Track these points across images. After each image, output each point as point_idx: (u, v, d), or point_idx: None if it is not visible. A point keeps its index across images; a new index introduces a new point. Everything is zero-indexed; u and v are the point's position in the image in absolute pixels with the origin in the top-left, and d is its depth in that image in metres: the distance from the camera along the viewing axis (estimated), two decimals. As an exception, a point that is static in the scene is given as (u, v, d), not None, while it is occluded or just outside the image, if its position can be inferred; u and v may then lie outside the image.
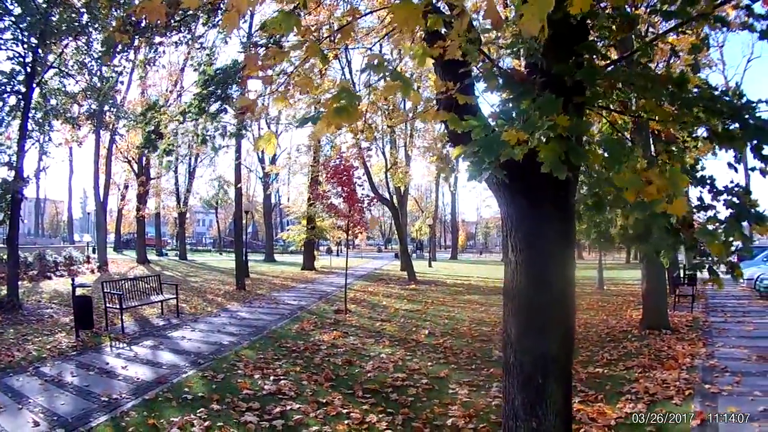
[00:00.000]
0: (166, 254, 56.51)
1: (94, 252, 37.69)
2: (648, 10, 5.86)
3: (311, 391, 9.62)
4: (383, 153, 38.33)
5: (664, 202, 3.77)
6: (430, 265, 50.07)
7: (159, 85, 45.09)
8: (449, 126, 4.66)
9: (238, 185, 30.84)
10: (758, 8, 4.67)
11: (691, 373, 10.75)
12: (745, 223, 4.36)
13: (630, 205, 3.93)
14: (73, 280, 15.44)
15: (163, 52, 13.05)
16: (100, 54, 16.97)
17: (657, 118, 4.74)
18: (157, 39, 11.01)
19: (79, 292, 14.23)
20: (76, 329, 13.86)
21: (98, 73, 20.15)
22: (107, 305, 15.44)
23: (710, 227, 4.37)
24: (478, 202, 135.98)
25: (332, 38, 5.29)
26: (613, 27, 5.12)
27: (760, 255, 27.94)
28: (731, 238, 4.24)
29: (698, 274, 16.45)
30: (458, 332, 15.97)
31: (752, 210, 4.26)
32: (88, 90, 20.22)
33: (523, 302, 5.07)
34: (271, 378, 10.29)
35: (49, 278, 26.83)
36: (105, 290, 15.71)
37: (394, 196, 39.52)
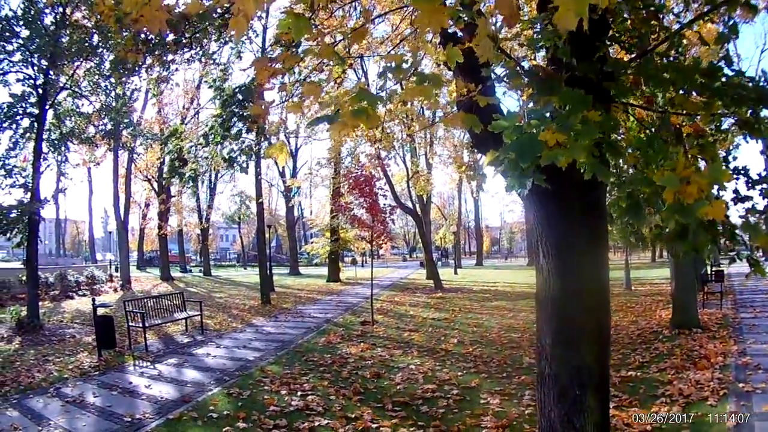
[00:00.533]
0: (190, 270, 56.61)
1: (116, 271, 37.77)
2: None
3: (339, 405, 9.43)
4: (404, 162, 38.14)
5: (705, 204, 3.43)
6: (455, 273, 49.69)
7: (176, 103, 45.21)
8: (473, 130, 4.47)
9: (260, 200, 30.83)
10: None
11: (724, 372, 10.54)
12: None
13: (668, 206, 3.59)
14: (93, 300, 15.36)
15: (176, 69, 12.89)
16: (110, 74, 16.93)
17: (685, 111, 4.53)
18: (169, 57, 10.87)
19: (100, 311, 14.17)
20: (98, 349, 13.79)
21: (112, 93, 20.13)
22: (130, 324, 15.33)
23: (751, 219, 4.15)
24: (501, 207, 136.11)
25: (346, 42, 5.13)
26: (636, 19, 4.90)
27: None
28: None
29: (725, 270, 16.17)
30: (487, 340, 15.75)
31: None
32: (102, 110, 20.19)
33: (556, 310, 4.90)
34: (299, 393, 10.12)
35: (71, 298, 26.91)
36: (127, 309, 15.60)
37: (417, 205, 39.44)
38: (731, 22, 4.47)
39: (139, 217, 54.82)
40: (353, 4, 11.84)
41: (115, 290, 31.56)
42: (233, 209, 67.30)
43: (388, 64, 3.58)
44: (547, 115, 3.74)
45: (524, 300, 25.86)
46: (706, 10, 4.64)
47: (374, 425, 8.37)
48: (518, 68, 4.45)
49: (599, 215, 4.94)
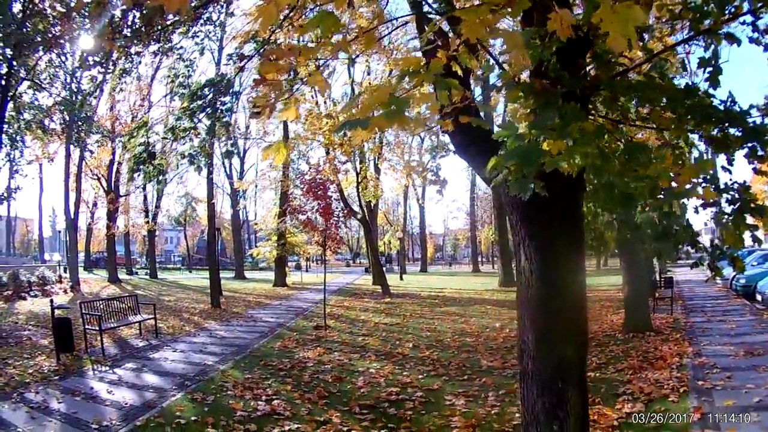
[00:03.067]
0: (137, 273, 55.73)
1: (65, 271, 37.00)
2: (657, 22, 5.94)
3: (306, 410, 9.44)
4: (355, 167, 38.15)
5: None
6: (401, 278, 49.94)
7: (128, 99, 44.40)
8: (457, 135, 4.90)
9: (212, 201, 30.60)
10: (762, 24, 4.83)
11: (682, 371, 10.98)
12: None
13: (667, 193, 4.26)
14: (51, 301, 14.89)
15: (139, 62, 12.67)
16: (76, 66, 16.67)
17: (657, 125, 4.84)
18: (134, 49, 10.74)
19: (58, 313, 13.94)
20: (57, 352, 13.46)
21: (72, 86, 19.82)
22: (86, 327, 15.03)
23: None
24: (444, 214, 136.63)
25: (350, 46, 5.21)
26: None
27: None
28: (739, 231, 4.39)
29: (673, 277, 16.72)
30: (442, 344, 15.92)
31: (753, 204, 4.37)
32: (60, 104, 19.85)
33: (539, 309, 5.09)
34: (263, 398, 10.06)
35: (24, 299, 26.31)
36: (83, 311, 15.29)
37: (365, 210, 39.48)
38: (712, 48, 4.75)
39: (87, 217, 53.87)
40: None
41: (65, 291, 30.86)
42: (179, 211, 66.73)
43: (407, 69, 3.68)
44: (548, 124, 3.97)
45: (474, 306, 26.31)
46: (687, 36, 4.93)
47: (344, 428, 8.43)
48: (514, 80, 4.60)
49: (579, 217, 5.19)
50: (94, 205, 53.43)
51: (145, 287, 39.24)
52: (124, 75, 15.34)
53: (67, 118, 20.59)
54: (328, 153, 34.00)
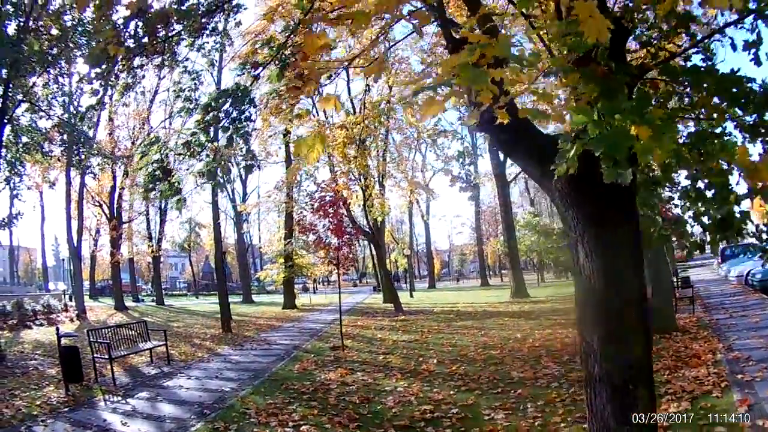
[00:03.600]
0: (143, 300, 55.30)
1: (70, 300, 36.50)
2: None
3: None
4: (361, 185, 37.74)
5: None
6: (411, 296, 49.43)
7: (127, 125, 44.01)
8: (501, 133, 5.04)
9: (218, 221, 30.16)
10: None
11: (718, 367, 10.77)
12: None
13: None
14: (57, 330, 14.39)
15: (143, 76, 12.08)
16: (76, 82, 16.21)
17: (703, 114, 4.68)
18: (137, 61, 10.24)
19: (65, 342, 13.39)
20: (65, 383, 12.86)
21: (69, 109, 19.34)
22: (95, 355, 14.44)
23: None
24: (449, 230, 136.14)
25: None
26: (665, 27, 5.00)
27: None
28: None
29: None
30: (467, 358, 15.31)
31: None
32: (60, 126, 19.36)
33: (603, 309, 4.85)
34: (290, 424, 9.49)
35: (29, 327, 25.65)
36: (91, 339, 14.71)
37: (372, 229, 39.03)
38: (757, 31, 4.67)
39: (90, 244, 53.41)
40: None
41: (72, 320, 30.29)
42: (183, 237, 66.42)
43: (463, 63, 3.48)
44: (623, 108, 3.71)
45: (490, 318, 25.74)
46: (734, 20, 4.68)
47: None
48: (569, 65, 4.25)
49: (635, 211, 5.02)
50: (97, 232, 53.18)
51: (153, 314, 38.69)
52: (127, 90, 14.70)
53: (67, 140, 20.07)
54: (332, 171, 33.70)
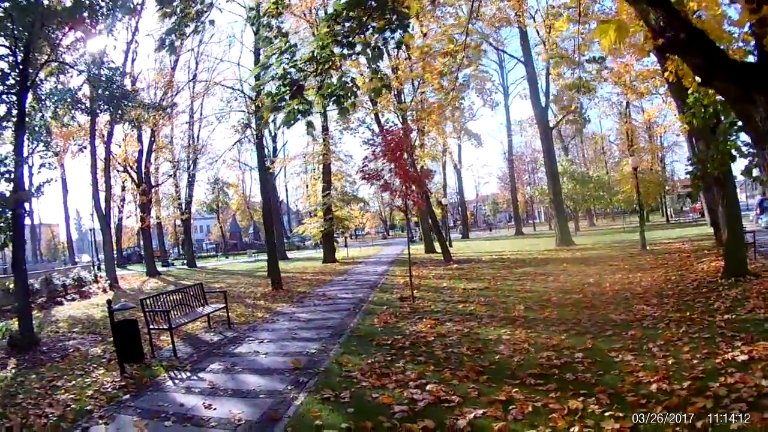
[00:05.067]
0: (173, 264, 54.43)
1: (99, 270, 35.44)
2: None
3: (474, 390, 7.62)
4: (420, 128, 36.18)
5: None
6: (450, 245, 48.19)
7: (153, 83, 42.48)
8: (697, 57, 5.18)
9: (270, 170, 28.82)
10: None
11: None
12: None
13: None
14: (109, 303, 11.45)
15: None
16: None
17: None
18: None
19: (118, 316, 11.65)
20: (120, 363, 10.75)
21: (100, 63, 17.73)
22: (150, 326, 12.55)
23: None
24: (475, 180, 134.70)
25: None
26: None
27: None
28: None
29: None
30: (552, 303, 14.56)
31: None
32: (94, 82, 17.76)
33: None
34: (411, 385, 8.02)
35: (60, 304, 24.18)
36: (146, 308, 12.75)
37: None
38: None
39: (116, 213, 52.36)
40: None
41: (104, 291, 28.96)
42: (210, 198, 65.63)
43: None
44: None
45: (548, 265, 24.91)
46: None
47: (536, 404, 6.84)
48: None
49: None
50: (122, 200, 52.08)
51: (188, 276, 37.67)
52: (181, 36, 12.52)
53: (107, 95, 18.28)
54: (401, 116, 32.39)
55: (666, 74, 10.17)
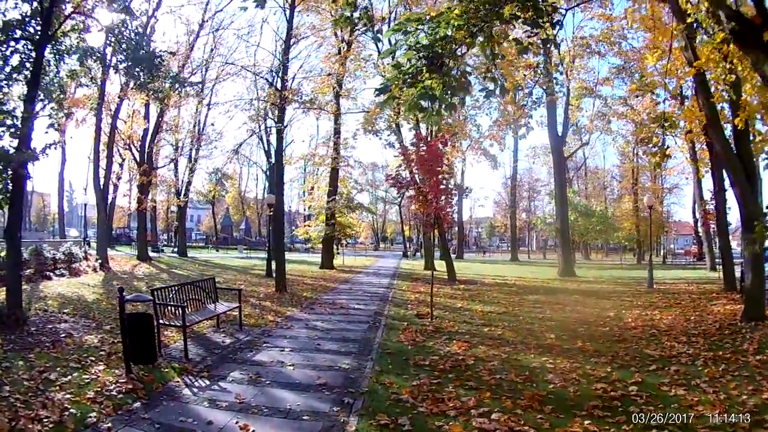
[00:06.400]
0: (162, 250, 53.37)
1: (89, 247, 34.48)
2: None
3: (545, 421, 7.18)
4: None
5: None
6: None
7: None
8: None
9: (281, 153, 28.01)
10: None
11: None
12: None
13: None
14: (120, 291, 9.62)
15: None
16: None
17: None
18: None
19: (129, 307, 10.17)
20: (127, 363, 9.13)
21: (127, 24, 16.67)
22: (159, 322, 11.02)
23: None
24: (470, 202, 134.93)
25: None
26: None
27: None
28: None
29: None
30: (580, 334, 14.17)
31: None
32: (118, 40, 16.70)
33: None
34: (474, 413, 7.31)
35: (49, 278, 22.73)
36: (157, 301, 11.32)
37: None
38: None
39: (112, 190, 51.22)
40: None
41: (95, 270, 27.61)
42: (207, 187, 64.96)
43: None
44: None
45: (559, 294, 24.55)
46: None
47: None
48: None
49: None
50: (118, 178, 51.09)
51: (180, 266, 36.76)
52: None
53: (131, 56, 17.00)
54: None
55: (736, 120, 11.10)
